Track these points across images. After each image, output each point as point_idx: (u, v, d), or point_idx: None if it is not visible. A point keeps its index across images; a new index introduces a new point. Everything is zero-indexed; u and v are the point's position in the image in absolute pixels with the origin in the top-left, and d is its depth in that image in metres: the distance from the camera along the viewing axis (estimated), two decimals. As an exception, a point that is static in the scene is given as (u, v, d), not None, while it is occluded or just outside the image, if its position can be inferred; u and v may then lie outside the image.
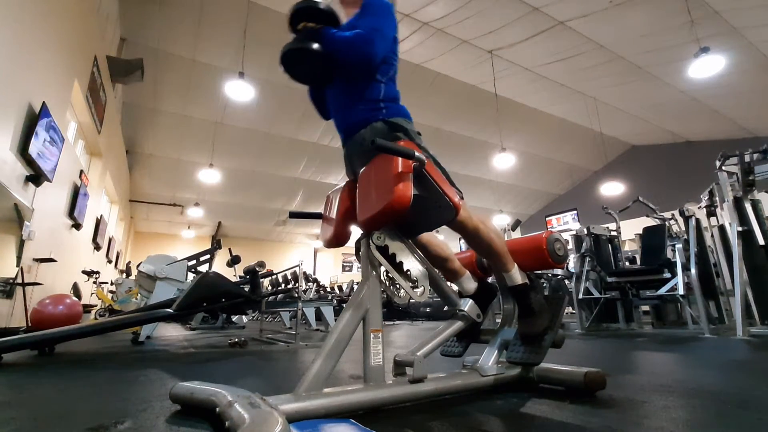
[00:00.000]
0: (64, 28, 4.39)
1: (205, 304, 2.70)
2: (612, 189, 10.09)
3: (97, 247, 7.76)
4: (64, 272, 5.54)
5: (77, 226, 5.96)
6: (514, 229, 5.49)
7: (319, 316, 4.77)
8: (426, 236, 1.33)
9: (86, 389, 1.40)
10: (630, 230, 6.68)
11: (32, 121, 3.64)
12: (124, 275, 6.96)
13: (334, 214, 1.30)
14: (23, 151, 3.54)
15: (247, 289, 2.99)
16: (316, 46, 1.21)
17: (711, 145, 9.21)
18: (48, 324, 2.60)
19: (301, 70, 1.30)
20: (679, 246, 3.51)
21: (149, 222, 14.08)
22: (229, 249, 5.13)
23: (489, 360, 1.22)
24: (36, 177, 3.89)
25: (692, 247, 3.42)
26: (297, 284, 4.28)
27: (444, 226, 1.22)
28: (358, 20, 1.27)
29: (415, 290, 1.12)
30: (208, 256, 4.24)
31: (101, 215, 7.94)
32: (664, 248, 3.94)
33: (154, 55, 6.95)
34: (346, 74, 1.27)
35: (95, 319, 4.14)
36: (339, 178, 11.48)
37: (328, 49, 1.21)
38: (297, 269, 3.91)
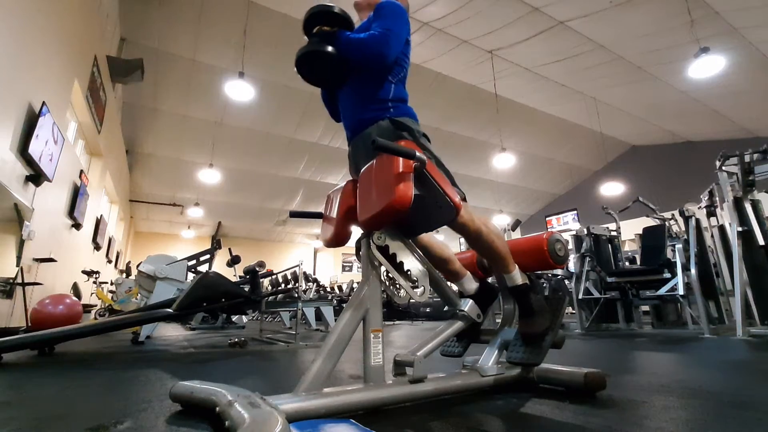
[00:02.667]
0: (64, 28, 4.38)
1: (205, 304, 2.69)
2: (612, 189, 10.09)
3: (97, 247, 7.76)
4: (64, 272, 5.54)
5: (77, 226, 5.96)
6: (514, 229, 5.49)
7: (319, 316, 4.77)
8: (426, 238, 1.33)
9: (86, 389, 1.40)
10: (630, 230, 6.69)
11: (32, 121, 3.64)
12: (124, 275, 6.96)
13: (334, 213, 1.30)
14: (23, 151, 3.54)
15: (247, 289, 2.99)
16: (330, 48, 1.25)
17: (711, 145, 9.21)
18: (48, 324, 2.60)
19: (316, 73, 1.34)
20: (679, 246, 3.51)
21: (149, 222, 14.08)
22: (229, 249, 5.14)
23: (489, 360, 1.22)
24: (36, 177, 3.89)
25: (692, 248, 3.42)
26: (297, 284, 4.29)
27: (444, 227, 1.22)
28: (372, 22, 1.30)
29: (415, 290, 1.12)
30: (208, 256, 4.24)
31: (101, 215, 7.94)
32: (664, 248, 3.94)
33: (154, 55, 6.95)
34: (358, 75, 1.30)
35: (95, 319, 4.14)
36: (339, 178, 11.48)
37: (343, 50, 1.25)
38: (297, 269, 3.91)
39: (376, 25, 1.26)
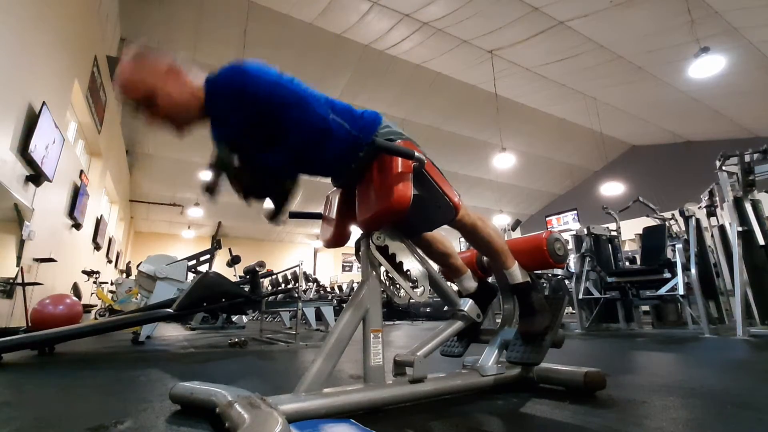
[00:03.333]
0: (64, 28, 4.39)
1: (205, 304, 2.70)
2: (612, 189, 10.09)
3: (97, 247, 7.76)
4: (64, 272, 5.54)
5: (77, 226, 5.96)
6: (514, 229, 5.50)
7: (319, 316, 4.77)
8: (429, 232, 1.33)
9: (86, 389, 1.40)
10: (630, 230, 6.68)
11: (32, 121, 3.64)
12: (124, 275, 6.95)
13: (334, 214, 1.30)
14: (23, 151, 3.54)
15: (247, 289, 2.99)
16: (292, 189, 1.11)
17: (711, 145, 9.20)
18: (48, 324, 2.60)
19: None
20: (679, 246, 3.51)
21: (149, 222, 14.08)
22: (229, 249, 5.14)
23: (489, 360, 1.22)
24: (36, 177, 3.89)
25: (692, 247, 3.42)
26: (297, 284, 4.29)
27: (443, 225, 1.22)
28: (260, 117, 1.06)
29: (415, 290, 1.12)
30: (208, 256, 4.24)
31: (101, 215, 7.94)
32: (664, 248, 3.94)
33: (154, 55, 6.94)
34: (309, 154, 1.11)
35: (95, 319, 4.14)
36: (339, 178, 11.45)
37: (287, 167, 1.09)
38: (297, 269, 3.91)
39: (283, 118, 1.03)
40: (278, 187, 1.13)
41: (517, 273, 1.26)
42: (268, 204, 1.14)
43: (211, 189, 1.09)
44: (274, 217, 1.16)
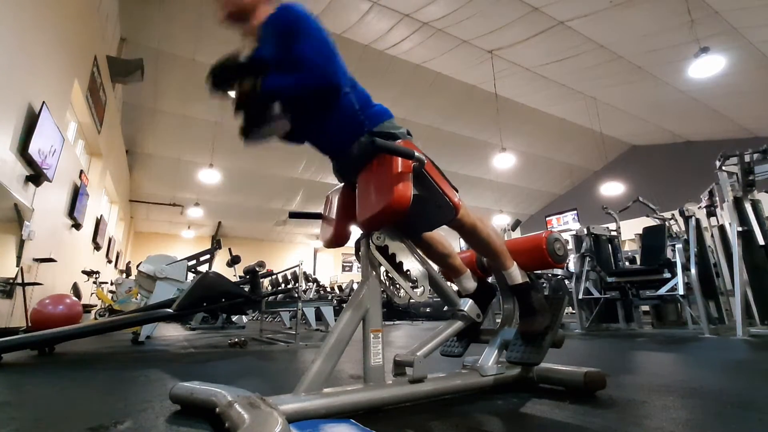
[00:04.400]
0: (64, 28, 4.38)
1: (205, 304, 2.69)
2: (612, 189, 10.09)
3: (97, 247, 7.76)
4: (64, 272, 5.54)
5: (77, 226, 5.96)
6: (514, 229, 5.50)
7: (319, 316, 4.77)
8: (429, 232, 1.33)
9: (86, 389, 1.40)
10: (630, 230, 6.67)
11: (32, 121, 3.64)
12: (124, 275, 6.95)
13: (333, 214, 1.30)
14: (23, 151, 3.54)
15: (247, 289, 2.99)
16: (276, 119, 1.11)
17: (711, 145, 9.20)
18: (48, 324, 2.60)
19: (272, 135, 1.19)
20: (679, 246, 3.51)
21: (149, 222, 14.08)
22: (229, 249, 5.14)
23: (489, 360, 1.22)
24: (36, 177, 3.89)
25: (692, 247, 3.42)
26: (297, 284, 4.28)
27: (442, 225, 1.22)
28: (290, 47, 1.09)
29: (415, 290, 1.12)
30: (208, 256, 4.24)
31: (101, 215, 7.94)
32: (664, 248, 3.94)
33: (154, 55, 6.95)
34: (314, 108, 1.17)
35: (95, 319, 4.14)
36: (339, 178, 11.46)
37: (283, 103, 1.12)
38: (297, 269, 3.91)
39: (301, 50, 1.07)
40: (265, 108, 1.12)
41: (516, 274, 1.26)
42: (246, 119, 1.14)
43: (216, 73, 1.14)
44: (244, 134, 1.15)
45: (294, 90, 1.09)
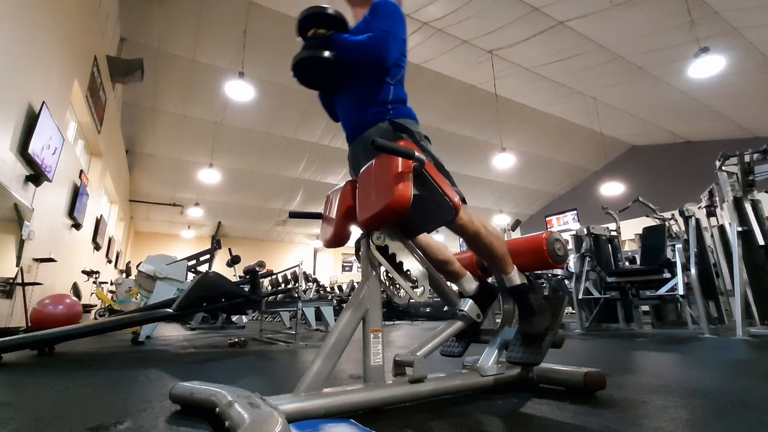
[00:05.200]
0: (64, 28, 4.38)
1: (205, 304, 2.70)
2: (612, 189, 10.09)
3: (97, 247, 7.76)
4: (64, 272, 5.54)
5: (77, 226, 5.96)
6: (514, 229, 5.50)
7: (319, 316, 4.77)
8: (425, 238, 1.33)
9: (86, 389, 1.40)
10: (630, 230, 6.69)
11: (32, 121, 3.64)
12: (124, 275, 6.96)
13: (334, 214, 1.30)
14: (23, 151, 3.54)
15: (247, 289, 2.99)
16: (327, 54, 1.24)
17: (711, 145, 9.21)
18: (48, 324, 2.60)
19: (314, 78, 1.34)
20: (679, 246, 3.51)
21: (149, 222, 14.08)
22: (229, 249, 5.14)
23: (489, 360, 1.22)
24: (36, 177, 3.89)
25: (692, 247, 3.42)
26: (297, 284, 4.29)
27: (443, 228, 1.22)
28: (369, 23, 1.28)
29: (415, 290, 1.12)
30: (208, 256, 4.24)
31: (101, 215, 7.94)
32: (664, 248, 3.94)
33: (154, 55, 6.95)
34: (357, 77, 1.30)
35: (95, 319, 4.14)
36: (339, 178, 11.48)
37: (341, 54, 1.24)
38: (297, 269, 3.91)
39: (374, 26, 1.25)
40: (324, 48, 1.26)
41: (515, 278, 1.26)
42: (305, 47, 1.29)
43: (307, 15, 1.30)
44: (297, 62, 1.28)
45: (353, 47, 1.23)
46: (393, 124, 1.24)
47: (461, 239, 1.29)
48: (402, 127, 1.23)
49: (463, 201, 1.17)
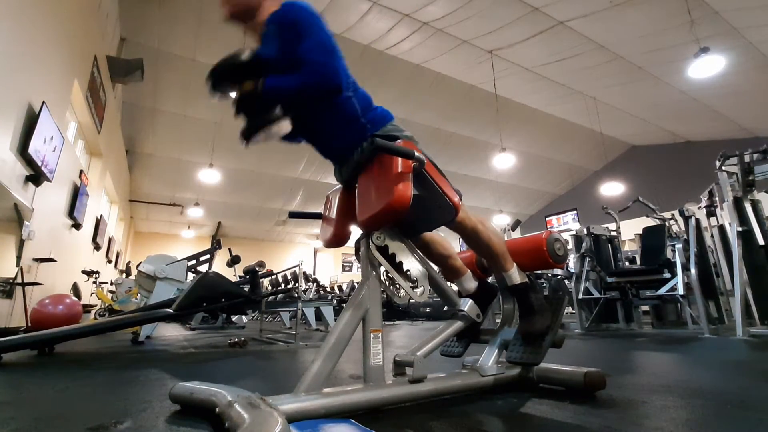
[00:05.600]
0: (64, 28, 4.38)
1: (205, 304, 2.70)
2: (612, 189, 10.09)
3: (97, 247, 7.76)
4: (64, 272, 5.54)
5: (77, 226, 5.96)
6: (514, 229, 5.50)
7: (319, 316, 4.77)
8: (428, 234, 1.33)
9: (86, 389, 1.40)
10: (630, 230, 6.69)
11: (32, 121, 3.64)
12: (124, 275, 6.95)
13: (333, 214, 1.30)
14: (23, 151, 3.54)
15: (247, 289, 2.99)
16: (277, 120, 1.07)
17: (711, 145, 9.21)
18: (48, 324, 2.60)
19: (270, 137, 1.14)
20: (679, 246, 3.51)
21: (149, 222, 14.08)
22: (229, 249, 5.14)
23: (489, 360, 1.22)
24: (36, 177, 3.89)
25: (692, 247, 3.42)
26: (297, 284, 4.29)
27: (443, 226, 1.22)
28: (292, 45, 1.07)
29: (415, 290, 1.12)
30: (208, 256, 4.24)
31: (101, 215, 7.94)
32: (664, 248, 3.94)
33: (154, 55, 6.95)
34: (314, 110, 1.15)
35: (95, 319, 4.14)
36: (339, 178, 11.45)
37: (284, 104, 1.08)
38: (297, 269, 3.91)
39: (304, 51, 1.04)
40: (266, 109, 1.08)
41: (515, 275, 1.26)
42: (247, 121, 1.11)
43: (217, 73, 1.10)
44: (245, 135, 1.12)
45: (295, 91, 1.06)
46: (372, 145, 1.08)
47: (460, 239, 1.29)
48: (388, 138, 1.13)
49: (459, 198, 1.17)
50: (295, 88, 1.05)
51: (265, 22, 1.16)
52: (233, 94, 1.10)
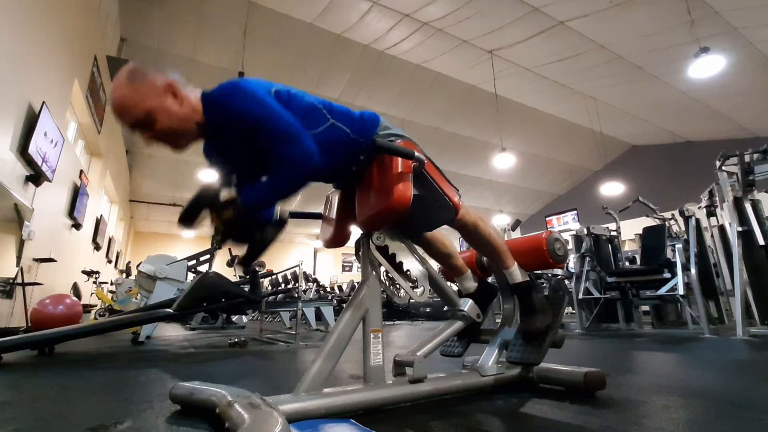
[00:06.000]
0: (64, 28, 4.38)
1: (205, 304, 2.70)
2: (612, 189, 10.09)
3: (97, 247, 7.76)
4: (64, 272, 5.54)
5: (77, 226, 5.96)
6: (514, 229, 5.49)
7: (319, 316, 4.77)
8: (429, 232, 1.33)
9: (86, 389, 1.40)
10: (630, 230, 6.68)
11: (32, 121, 3.64)
12: (124, 275, 6.95)
13: (333, 214, 1.30)
14: (23, 151, 3.54)
15: (247, 289, 2.99)
16: (275, 234, 1.04)
17: (711, 145, 9.20)
18: (48, 324, 2.60)
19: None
20: (679, 246, 3.51)
21: (149, 222, 14.08)
22: (229, 249, 5.13)
23: (489, 360, 1.22)
24: (36, 177, 3.89)
25: (692, 247, 3.42)
26: (297, 284, 4.29)
27: (443, 225, 1.22)
28: (247, 138, 0.98)
29: (415, 290, 1.12)
30: (208, 256, 4.24)
31: (101, 215, 7.94)
32: (664, 248, 3.94)
33: (154, 55, 6.95)
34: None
35: (95, 319, 4.13)
36: (339, 178, 11.46)
37: (267, 216, 1.05)
38: (297, 269, 3.91)
39: (267, 147, 0.96)
40: (259, 230, 1.03)
41: (516, 273, 1.26)
42: (242, 248, 1.04)
43: (187, 219, 0.97)
44: (243, 262, 1.07)
45: (279, 195, 0.98)
46: (372, 146, 1.07)
47: (461, 238, 1.29)
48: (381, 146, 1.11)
49: (458, 195, 1.17)
50: (275, 193, 0.98)
51: (203, 117, 1.01)
52: (211, 222, 0.99)
